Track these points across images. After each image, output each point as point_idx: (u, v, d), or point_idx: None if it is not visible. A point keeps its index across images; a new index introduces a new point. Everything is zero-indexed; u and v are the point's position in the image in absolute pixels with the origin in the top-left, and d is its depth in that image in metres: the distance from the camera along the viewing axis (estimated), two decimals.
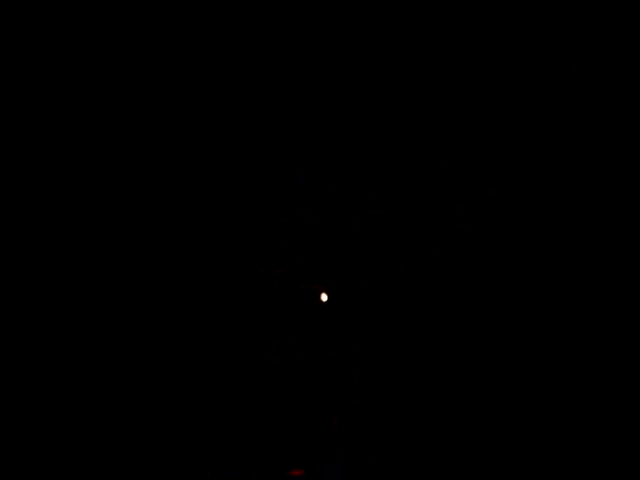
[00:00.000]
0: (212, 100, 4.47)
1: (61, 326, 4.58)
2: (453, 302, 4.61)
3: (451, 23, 4.14)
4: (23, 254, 4.58)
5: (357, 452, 4.52)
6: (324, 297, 4.61)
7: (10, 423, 4.45)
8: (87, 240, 4.62)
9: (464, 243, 4.59)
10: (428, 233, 4.60)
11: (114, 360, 4.59)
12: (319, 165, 4.52)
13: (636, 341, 4.36)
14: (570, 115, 4.39)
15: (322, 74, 4.28)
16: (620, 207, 4.43)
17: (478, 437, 4.46)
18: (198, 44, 4.23)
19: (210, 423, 4.58)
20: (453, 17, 4.12)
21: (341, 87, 4.33)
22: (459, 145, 4.43)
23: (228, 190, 4.61)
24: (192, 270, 4.68)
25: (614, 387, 4.35)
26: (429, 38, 4.17)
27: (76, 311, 4.60)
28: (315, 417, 4.59)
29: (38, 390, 4.53)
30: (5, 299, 4.54)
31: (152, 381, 4.59)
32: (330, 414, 4.58)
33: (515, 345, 4.51)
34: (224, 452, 4.55)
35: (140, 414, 4.56)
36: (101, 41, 4.20)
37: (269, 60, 4.24)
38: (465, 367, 4.54)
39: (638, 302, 4.38)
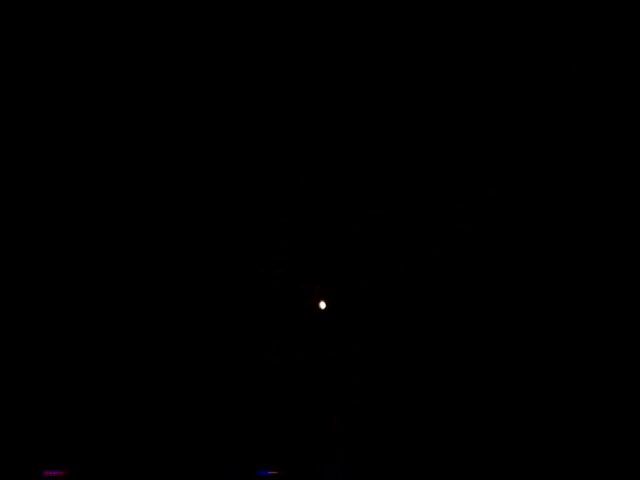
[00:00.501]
0: (212, 100, 4.47)
1: (60, 328, 4.58)
2: (452, 303, 4.61)
3: (451, 23, 4.14)
4: (23, 255, 4.58)
5: (357, 452, 4.52)
6: (322, 305, 4.61)
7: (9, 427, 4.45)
8: (87, 241, 4.62)
9: (464, 243, 4.59)
10: (428, 233, 4.60)
11: (114, 361, 4.59)
12: (319, 165, 4.52)
13: (636, 341, 4.36)
14: (570, 115, 4.39)
15: (322, 74, 4.28)
16: (620, 207, 4.43)
17: (477, 437, 4.46)
18: (198, 44, 4.23)
19: (209, 423, 4.58)
20: (453, 17, 4.12)
21: (341, 87, 4.33)
22: (459, 145, 4.43)
23: (228, 190, 4.61)
24: (192, 270, 4.68)
25: (614, 387, 4.35)
26: (429, 38, 4.17)
27: (74, 313, 4.60)
28: (315, 417, 4.59)
29: (38, 392, 4.53)
30: (5, 301, 4.54)
31: (151, 383, 4.59)
32: (330, 414, 4.58)
33: (514, 348, 4.51)
34: (223, 452, 4.55)
35: (142, 415, 4.56)
36: (101, 41, 4.20)
37: (269, 60, 4.24)
38: (464, 367, 4.54)
39: (638, 302, 4.38)
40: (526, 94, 4.35)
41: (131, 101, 4.40)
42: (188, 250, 4.68)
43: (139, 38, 4.13)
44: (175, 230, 4.65)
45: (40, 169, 4.52)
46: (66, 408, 4.53)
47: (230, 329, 4.66)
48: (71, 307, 4.60)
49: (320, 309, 4.62)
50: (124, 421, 4.54)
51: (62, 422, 4.51)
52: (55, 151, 4.50)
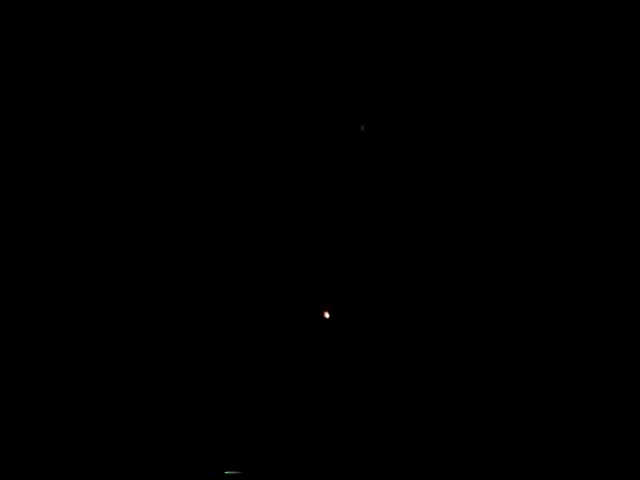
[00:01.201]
0: (212, 100, 4.48)
1: (58, 329, 4.59)
2: (454, 304, 4.60)
3: (451, 22, 4.16)
4: (23, 254, 4.59)
5: (356, 450, 4.51)
6: (327, 315, 4.60)
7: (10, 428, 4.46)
8: (87, 243, 4.63)
9: (465, 244, 4.58)
10: (428, 234, 4.59)
11: (112, 361, 4.59)
12: (319, 164, 4.52)
13: (636, 341, 4.35)
14: (570, 115, 4.39)
15: (321, 73, 4.29)
16: (620, 207, 4.43)
17: (478, 443, 4.45)
18: (198, 44, 4.24)
19: (208, 424, 4.58)
20: (453, 16, 4.14)
21: (340, 85, 4.34)
22: (459, 144, 4.43)
23: (228, 190, 4.61)
24: (191, 271, 4.68)
25: (614, 387, 4.35)
26: (429, 36, 4.18)
27: (74, 312, 4.61)
28: (314, 417, 4.58)
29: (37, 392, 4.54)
30: (4, 301, 4.55)
31: (149, 385, 4.59)
32: (329, 409, 4.57)
33: (516, 353, 4.49)
34: (222, 453, 4.55)
35: (142, 416, 4.57)
36: (101, 41, 4.21)
37: (268, 60, 4.25)
38: (465, 369, 4.53)
39: (638, 302, 4.38)
40: (526, 94, 4.36)
41: (131, 102, 4.41)
42: (188, 251, 4.68)
43: (139, 38, 4.15)
44: (175, 231, 4.66)
45: (40, 169, 4.53)
46: (65, 408, 4.53)
47: (230, 331, 4.66)
48: (70, 306, 4.60)
49: (325, 319, 4.62)
50: (123, 421, 4.54)
51: (61, 422, 4.52)
52: (55, 151, 4.51)
